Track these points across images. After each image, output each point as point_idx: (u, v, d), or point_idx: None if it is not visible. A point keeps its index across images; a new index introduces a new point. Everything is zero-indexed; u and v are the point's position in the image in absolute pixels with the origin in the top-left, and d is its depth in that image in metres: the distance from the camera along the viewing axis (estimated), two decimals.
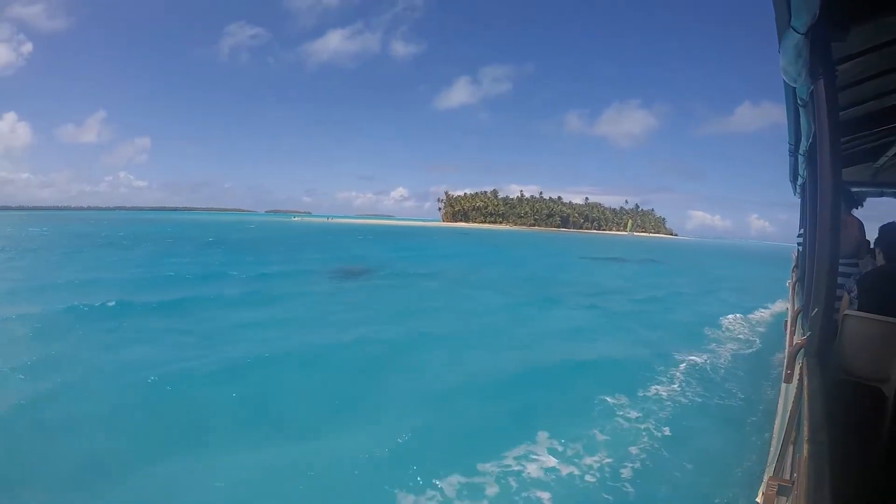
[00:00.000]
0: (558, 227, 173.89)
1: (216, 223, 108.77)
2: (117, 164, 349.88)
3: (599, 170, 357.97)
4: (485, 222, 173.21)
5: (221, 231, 68.77)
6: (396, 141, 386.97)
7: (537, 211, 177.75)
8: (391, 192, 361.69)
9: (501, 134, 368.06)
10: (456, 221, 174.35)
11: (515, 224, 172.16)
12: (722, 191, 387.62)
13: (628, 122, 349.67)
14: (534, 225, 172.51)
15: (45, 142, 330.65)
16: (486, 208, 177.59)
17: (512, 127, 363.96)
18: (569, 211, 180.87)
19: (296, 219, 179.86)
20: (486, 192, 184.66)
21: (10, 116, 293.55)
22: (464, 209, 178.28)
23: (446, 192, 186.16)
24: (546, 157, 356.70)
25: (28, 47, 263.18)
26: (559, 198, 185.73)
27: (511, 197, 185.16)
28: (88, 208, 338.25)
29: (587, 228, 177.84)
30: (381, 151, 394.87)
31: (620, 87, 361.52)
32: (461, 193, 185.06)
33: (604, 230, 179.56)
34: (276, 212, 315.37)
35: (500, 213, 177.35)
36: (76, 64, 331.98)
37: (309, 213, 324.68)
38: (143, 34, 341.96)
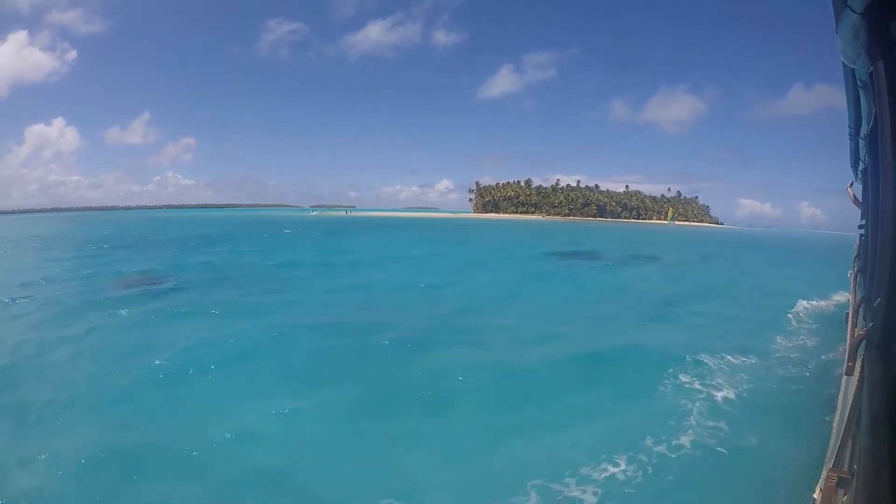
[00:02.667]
0: (595, 216, 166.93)
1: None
2: (164, 164, 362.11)
3: (646, 158, 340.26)
4: (516, 212, 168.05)
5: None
6: (440, 133, 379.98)
7: (572, 200, 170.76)
8: (436, 185, 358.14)
9: (546, 123, 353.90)
10: (486, 212, 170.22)
11: (549, 214, 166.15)
12: (772, 178, 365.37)
13: (676, 108, 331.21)
14: (568, 215, 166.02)
15: (93, 145, 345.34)
16: (517, 198, 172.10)
17: (556, 115, 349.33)
18: (605, 199, 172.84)
19: (314, 213, 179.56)
20: (518, 181, 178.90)
21: (59, 122, 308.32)
22: (494, 199, 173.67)
23: (477, 183, 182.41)
24: (591, 146, 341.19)
25: (72, 54, 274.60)
26: (596, 186, 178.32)
27: (545, 186, 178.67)
28: (136, 207, 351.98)
29: (625, 218, 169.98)
30: (425, 145, 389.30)
31: (668, 72, 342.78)
32: (494, 183, 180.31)
33: (643, 219, 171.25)
34: (321, 206, 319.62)
35: (533, 202, 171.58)
36: (118, 67, 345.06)
37: (353, 206, 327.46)
38: (182, 34, 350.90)
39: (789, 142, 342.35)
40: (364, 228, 72.89)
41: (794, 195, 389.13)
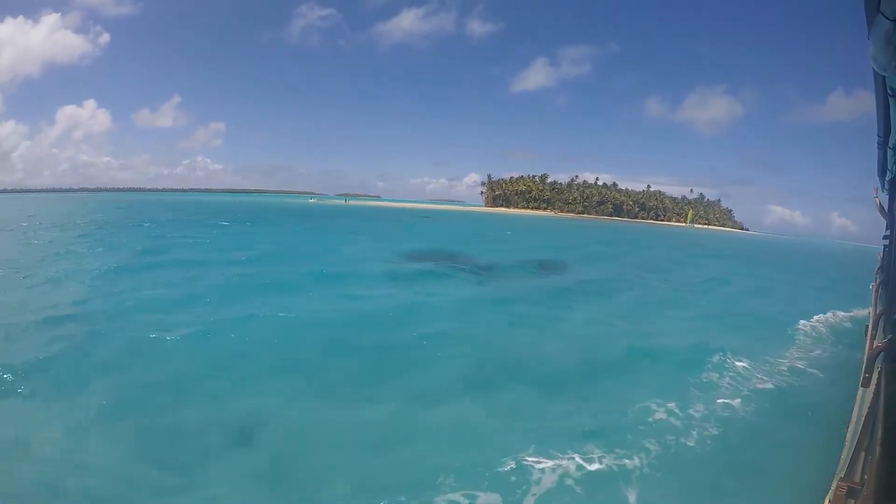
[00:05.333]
0: (610, 215, 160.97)
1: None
2: (193, 148, 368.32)
3: (676, 160, 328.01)
4: (527, 208, 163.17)
5: None
6: (470, 126, 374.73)
7: (587, 198, 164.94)
8: (464, 178, 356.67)
9: (578, 119, 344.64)
10: (497, 206, 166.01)
11: (561, 211, 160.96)
12: (804, 185, 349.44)
13: (712, 109, 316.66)
14: (582, 213, 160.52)
15: (124, 127, 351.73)
16: (529, 193, 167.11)
17: (589, 112, 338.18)
18: (623, 198, 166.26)
19: (311, 201, 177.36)
20: (533, 176, 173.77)
21: (90, 104, 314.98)
22: (505, 194, 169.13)
23: (489, 176, 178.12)
24: (623, 145, 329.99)
25: (105, 37, 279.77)
26: (614, 184, 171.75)
27: (559, 182, 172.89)
28: (163, 190, 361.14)
29: (643, 218, 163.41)
30: (455, 137, 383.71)
31: (706, 70, 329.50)
32: (507, 178, 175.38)
33: (661, 220, 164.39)
34: (346, 195, 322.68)
35: (545, 198, 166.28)
36: (149, 50, 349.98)
37: (378, 196, 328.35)
38: (213, 18, 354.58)
39: (825, 149, 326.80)
40: (304, 218, 67.14)
41: (826, 204, 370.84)
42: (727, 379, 10.36)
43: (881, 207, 7.51)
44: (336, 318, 13.46)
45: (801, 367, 11.80)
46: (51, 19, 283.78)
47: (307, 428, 7.50)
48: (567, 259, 32.19)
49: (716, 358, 11.36)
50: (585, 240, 54.27)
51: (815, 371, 11.52)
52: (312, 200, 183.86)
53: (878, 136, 4.89)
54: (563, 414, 8.31)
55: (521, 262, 28.66)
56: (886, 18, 2.07)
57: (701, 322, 16.25)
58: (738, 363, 11.20)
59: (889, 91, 3.00)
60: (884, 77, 2.89)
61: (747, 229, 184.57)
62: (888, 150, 4.63)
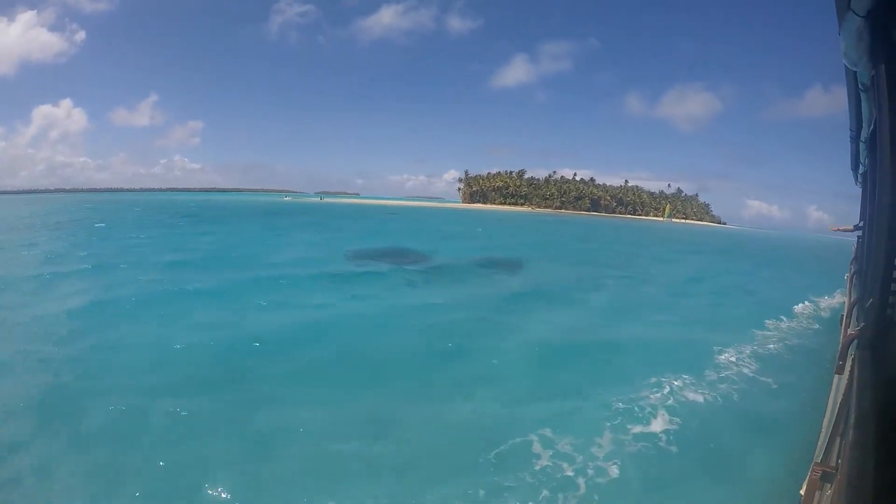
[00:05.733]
0: (588, 210, 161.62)
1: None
2: (171, 147, 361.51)
3: (656, 155, 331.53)
4: (505, 203, 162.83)
5: None
6: (450, 122, 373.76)
7: (564, 193, 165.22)
8: (443, 175, 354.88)
9: (558, 116, 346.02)
10: (474, 203, 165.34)
11: (538, 206, 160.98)
12: (782, 180, 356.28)
13: (691, 105, 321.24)
14: (560, 208, 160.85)
15: (101, 126, 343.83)
16: (506, 189, 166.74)
17: (569, 108, 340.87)
18: (600, 193, 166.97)
19: (286, 199, 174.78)
20: (510, 172, 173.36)
21: (66, 103, 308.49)
22: (482, 190, 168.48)
23: (466, 172, 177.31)
24: (604, 141, 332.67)
25: (81, 35, 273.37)
26: (592, 179, 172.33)
27: (536, 178, 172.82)
28: (141, 190, 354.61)
29: (620, 213, 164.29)
30: (434, 134, 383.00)
31: (686, 67, 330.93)
32: (484, 174, 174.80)
33: (639, 215, 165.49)
34: (326, 193, 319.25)
35: (523, 194, 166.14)
36: (126, 48, 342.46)
37: (357, 194, 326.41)
38: (191, 14, 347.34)
39: (802, 144, 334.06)
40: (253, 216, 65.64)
41: (804, 198, 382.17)
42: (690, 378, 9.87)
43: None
44: (215, 344, 10.98)
45: (782, 355, 12.09)
46: (26, 17, 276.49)
47: None
48: (529, 257, 30.92)
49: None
50: (553, 237, 53.92)
51: (795, 359, 11.81)
52: (287, 198, 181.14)
53: (851, 131, 5.03)
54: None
55: (476, 260, 27.42)
56: (856, 15, 2.14)
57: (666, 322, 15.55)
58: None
59: (860, 86, 3.06)
60: (855, 72, 2.96)
61: (725, 223, 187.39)
62: (860, 143, 4.71)
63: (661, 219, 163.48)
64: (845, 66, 2.91)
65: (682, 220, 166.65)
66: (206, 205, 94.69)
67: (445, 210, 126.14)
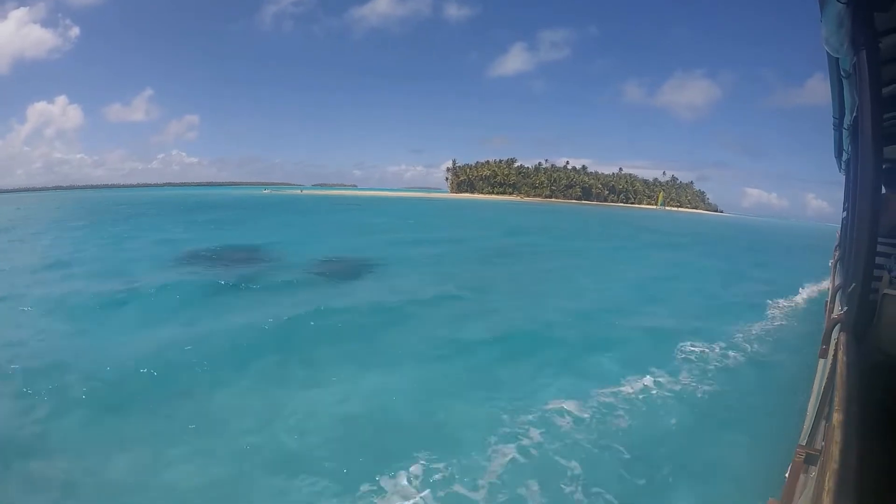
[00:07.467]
0: (579, 199, 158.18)
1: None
2: (167, 142, 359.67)
3: (655, 144, 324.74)
4: (493, 192, 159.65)
5: None
6: (448, 112, 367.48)
7: (555, 181, 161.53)
8: (441, 165, 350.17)
9: (557, 104, 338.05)
10: (462, 192, 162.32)
11: (528, 196, 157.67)
12: (781, 168, 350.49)
13: (691, 92, 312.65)
14: (549, 197, 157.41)
15: (97, 122, 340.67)
16: (494, 178, 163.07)
17: (568, 97, 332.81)
18: (592, 182, 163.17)
19: (266, 192, 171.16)
20: (499, 160, 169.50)
21: (62, 99, 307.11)
22: (469, 179, 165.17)
23: (453, 161, 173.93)
24: (602, 130, 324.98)
25: (75, 31, 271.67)
26: (584, 167, 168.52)
27: (526, 166, 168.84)
28: (138, 185, 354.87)
29: (612, 201, 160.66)
30: (431, 124, 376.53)
31: (686, 54, 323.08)
32: (473, 163, 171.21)
33: (632, 203, 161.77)
34: (323, 185, 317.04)
35: (511, 183, 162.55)
36: (119, 42, 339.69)
37: (355, 185, 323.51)
38: (183, 6, 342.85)
39: (802, 132, 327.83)
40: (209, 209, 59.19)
41: (802, 186, 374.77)
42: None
43: None
44: None
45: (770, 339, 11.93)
46: (18, 14, 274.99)
47: None
48: (400, 257, 22.96)
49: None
50: (510, 226, 50.51)
51: (783, 342, 11.67)
52: (266, 191, 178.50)
53: (834, 118, 5.34)
54: None
55: (321, 261, 20.86)
56: (838, 1, 2.13)
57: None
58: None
59: (842, 73, 3.08)
60: (837, 60, 2.97)
61: (721, 211, 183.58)
62: (843, 130, 4.96)
63: (654, 207, 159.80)
64: (827, 53, 2.91)
65: (677, 208, 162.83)
66: (187, 200, 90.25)
67: (419, 200, 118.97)
